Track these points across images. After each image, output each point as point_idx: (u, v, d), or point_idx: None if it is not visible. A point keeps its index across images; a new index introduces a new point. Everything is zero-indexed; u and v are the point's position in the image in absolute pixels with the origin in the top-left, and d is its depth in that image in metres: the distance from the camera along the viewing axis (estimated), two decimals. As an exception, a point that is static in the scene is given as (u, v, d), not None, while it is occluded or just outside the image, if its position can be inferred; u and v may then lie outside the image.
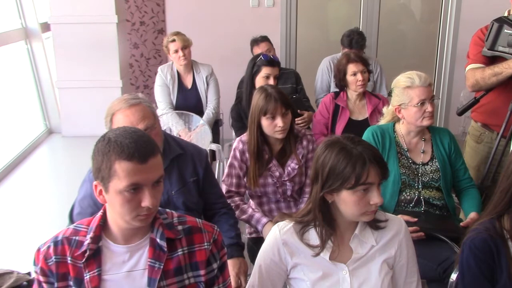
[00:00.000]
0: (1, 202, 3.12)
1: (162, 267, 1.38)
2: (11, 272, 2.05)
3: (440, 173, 2.36)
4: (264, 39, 4.18)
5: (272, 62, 3.18)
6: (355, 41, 3.98)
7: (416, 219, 2.22)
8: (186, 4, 5.08)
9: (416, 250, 1.68)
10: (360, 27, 4.99)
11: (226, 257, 1.54)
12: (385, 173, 1.51)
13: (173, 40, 3.84)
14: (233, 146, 2.48)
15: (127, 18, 5.00)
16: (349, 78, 3.23)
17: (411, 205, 2.33)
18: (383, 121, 2.52)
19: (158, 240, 1.39)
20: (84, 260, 1.37)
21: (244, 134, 2.47)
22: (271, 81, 3.13)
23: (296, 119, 2.88)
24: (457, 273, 1.69)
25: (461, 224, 2.26)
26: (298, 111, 3.37)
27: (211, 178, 2.18)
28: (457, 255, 1.75)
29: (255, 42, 4.21)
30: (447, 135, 2.44)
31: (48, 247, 1.38)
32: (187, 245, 1.43)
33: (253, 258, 2.23)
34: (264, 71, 3.16)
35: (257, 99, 2.37)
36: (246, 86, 3.28)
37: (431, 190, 2.35)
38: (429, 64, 5.33)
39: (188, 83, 3.99)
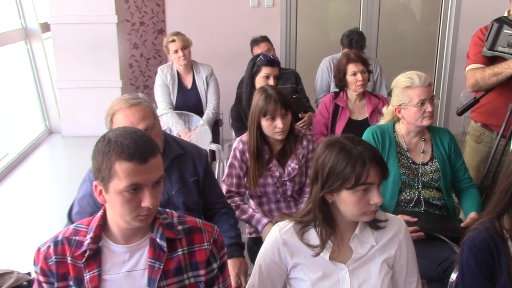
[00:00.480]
0: (1, 202, 3.13)
1: (162, 267, 1.38)
2: (11, 272, 2.05)
3: (440, 173, 2.36)
4: (264, 39, 4.19)
5: (272, 62, 3.19)
6: (354, 41, 3.98)
7: (416, 219, 2.22)
8: (186, 4, 5.08)
9: (416, 250, 1.68)
10: (360, 27, 4.99)
11: (226, 257, 1.54)
12: (385, 173, 1.51)
13: (173, 40, 3.84)
14: (233, 146, 2.49)
15: (127, 18, 5.00)
16: (349, 78, 3.23)
17: (411, 205, 2.33)
18: (383, 121, 2.52)
19: (158, 240, 1.40)
20: (84, 260, 1.37)
21: (244, 134, 2.47)
22: (271, 81, 3.13)
23: (297, 123, 2.88)
24: (457, 273, 1.69)
25: (462, 224, 2.26)
26: (300, 115, 3.37)
27: (211, 178, 2.18)
28: (457, 255, 1.75)
29: (255, 42, 4.21)
30: (447, 135, 2.44)
31: (48, 247, 1.38)
32: (187, 245, 1.43)
33: (253, 258, 2.23)
34: (264, 71, 3.16)
35: (257, 99, 2.37)
36: (246, 86, 3.28)
37: (431, 190, 2.35)
38: (429, 64, 5.33)
39: (188, 83, 3.99)
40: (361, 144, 1.51)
